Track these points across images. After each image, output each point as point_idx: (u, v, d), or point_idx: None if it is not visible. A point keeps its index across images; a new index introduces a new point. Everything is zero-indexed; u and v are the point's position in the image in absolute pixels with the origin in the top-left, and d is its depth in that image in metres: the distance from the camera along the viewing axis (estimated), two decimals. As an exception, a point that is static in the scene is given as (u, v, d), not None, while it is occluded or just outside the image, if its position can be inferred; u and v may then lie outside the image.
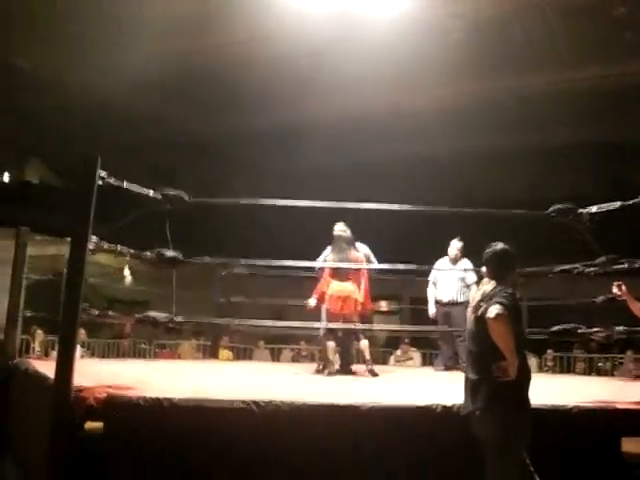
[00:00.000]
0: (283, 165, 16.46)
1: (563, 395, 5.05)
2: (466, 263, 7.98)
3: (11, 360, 7.39)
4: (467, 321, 3.90)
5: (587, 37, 11.89)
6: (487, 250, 3.93)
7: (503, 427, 3.60)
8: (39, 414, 4.94)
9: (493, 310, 3.54)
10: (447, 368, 8.07)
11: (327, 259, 7.23)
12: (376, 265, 7.41)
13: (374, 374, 6.94)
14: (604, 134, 14.51)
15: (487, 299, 3.68)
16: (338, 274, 7.07)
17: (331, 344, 7.07)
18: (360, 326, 7.21)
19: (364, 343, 7.14)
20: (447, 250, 8.15)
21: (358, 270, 7.12)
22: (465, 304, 7.20)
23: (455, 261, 8.08)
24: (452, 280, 8.05)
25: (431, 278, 8.27)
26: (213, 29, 11.73)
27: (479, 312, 3.70)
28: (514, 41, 12.01)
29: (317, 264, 7.21)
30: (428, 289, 8.32)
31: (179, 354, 13.19)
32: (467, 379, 3.80)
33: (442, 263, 8.17)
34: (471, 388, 3.74)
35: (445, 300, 8.06)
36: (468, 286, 7.77)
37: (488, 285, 3.78)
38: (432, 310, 8.22)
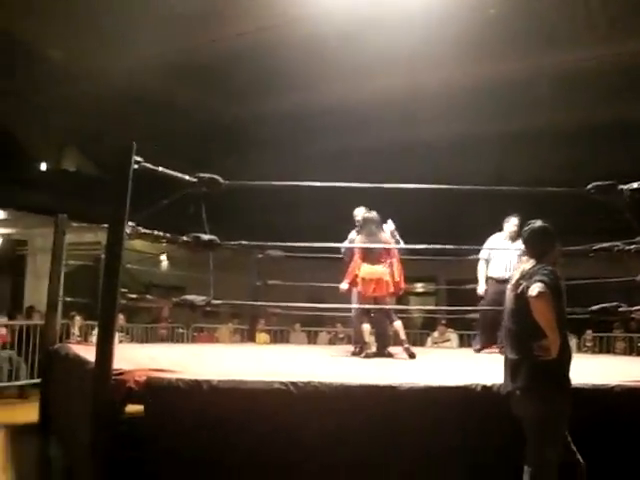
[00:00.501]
0: (312, 148, 16.43)
1: (604, 374, 4.99)
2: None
3: (52, 345, 7.53)
4: (507, 300, 3.85)
5: (625, 10, 11.61)
6: (525, 228, 3.88)
7: (544, 406, 3.56)
8: (80, 398, 5.03)
9: (535, 288, 3.49)
10: (484, 347, 7.89)
11: (356, 242, 7.16)
12: (411, 246, 7.34)
13: (411, 355, 6.90)
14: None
15: (527, 277, 3.64)
16: (369, 257, 7.01)
17: (366, 326, 7.06)
18: (394, 307, 7.18)
19: (398, 324, 7.13)
20: (503, 226, 7.91)
21: (389, 252, 7.09)
22: None
23: (513, 239, 7.74)
24: (509, 257, 7.65)
25: (483, 255, 7.94)
26: (242, 15, 11.71)
27: (519, 290, 3.66)
28: (549, 17, 11.78)
29: (348, 245, 7.18)
30: (479, 266, 8.00)
31: (217, 338, 13.29)
32: (507, 358, 3.77)
33: (496, 239, 7.92)
34: (511, 367, 3.71)
35: (501, 276, 7.57)
36: None
37: (527, 263, 3.73)
38: (482, 288, 7.89)
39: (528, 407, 3.60)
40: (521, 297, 3.64)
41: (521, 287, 3.65)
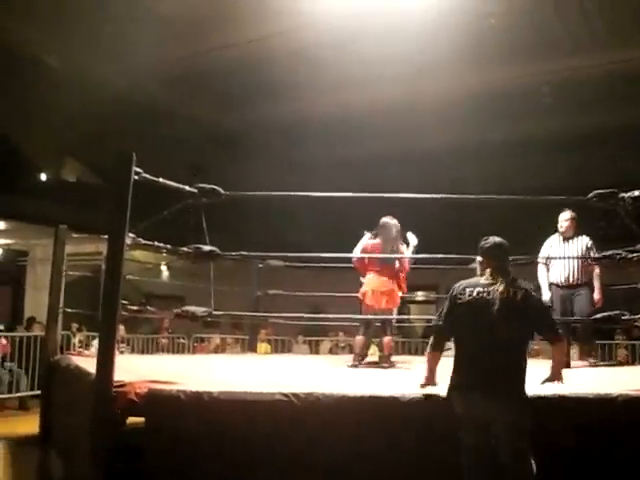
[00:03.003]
0: (309, 156, 16.45)
1: (607, 383, 4.97)
2: (586, 238, 7.04)
3: (52, 356, 7.50)
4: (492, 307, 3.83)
5: (623, 18, 11.63)
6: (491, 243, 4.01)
7: (526, 410, 3.64)
8: (81, 409, 5.00)
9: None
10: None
11: (370, 245, 7.01)
12: (413, 256, 7.30)
13: (384, 367, 6.89)
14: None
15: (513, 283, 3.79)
16: (381, 265, 6.94)
17: (359, 338, 7.04)
18: (399, 317, 7.15)
19: (388, 339, 7.06)
20: (557, 226, 7.18)
21: (401, 263, 7.05)
22: (588, 284, 6.85)
23: (566, 236, 7.10)
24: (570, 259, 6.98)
25: (541, 259, 7.24)
26: (243, 24, 11.75)
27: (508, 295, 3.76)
28: (549, 25, 11.80)
29: (356, 255, 7.07)
30: (539, 272, 7.25)
31: (216, 347, 13.25)
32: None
33: (552, 241, 7.21)
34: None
35: (562, 282, 7.04)
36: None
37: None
38: (546, 295, 7.05)
39: (512, 411, 3.63)
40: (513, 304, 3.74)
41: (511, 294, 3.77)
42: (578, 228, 7.07)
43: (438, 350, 4.01)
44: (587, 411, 3.95)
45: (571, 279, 6.96)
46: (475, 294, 3.80)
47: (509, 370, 3.70)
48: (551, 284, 7.13)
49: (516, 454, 3.57)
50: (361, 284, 7.03)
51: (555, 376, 4.00)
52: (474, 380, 3.70)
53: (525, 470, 3.56)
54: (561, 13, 11.53)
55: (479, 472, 3.65)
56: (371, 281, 6.89)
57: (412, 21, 11.01)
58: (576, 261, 6.89)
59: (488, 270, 3.89)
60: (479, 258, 4.06)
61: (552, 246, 7.17)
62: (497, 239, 4.01)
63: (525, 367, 3.75)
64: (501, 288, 3.77)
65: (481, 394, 3.66)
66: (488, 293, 3.78)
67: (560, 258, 6.99)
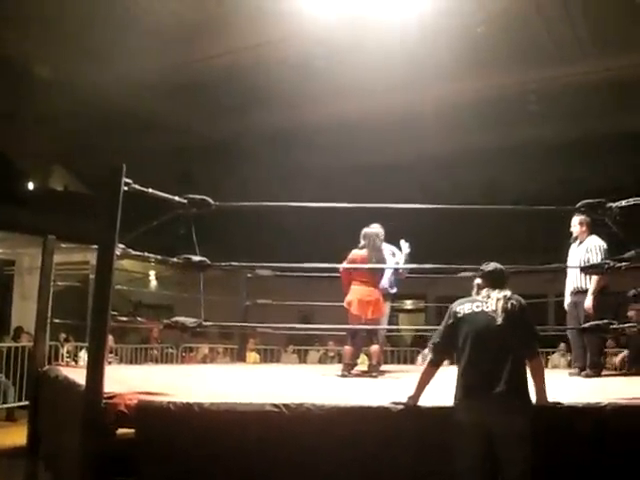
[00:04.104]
0: (300, 166, 16.48)
1: (596, 392, 4.99)
2: (593, 240, 6.74)
3: (41, 367, 7.45)
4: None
5: (609, 26, 11.75)
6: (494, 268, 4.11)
7: (528, 417, 3.72)
8: (70, 420, 4.97)
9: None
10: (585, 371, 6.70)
11: (359, 256, 6.98)
12: (408, 265, 7.33)
13: (373, 376, 6.91)
14: (631, 125, 14.30)
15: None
16: (368, 276, 6.94)
17: (348, 348, 7.05)
18: (387, 327, 7.15)
19: (375, 347, 7.07)
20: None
21: (383, 272, 7.07)
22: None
23: (580, 241, 6.88)
24: (575, 263, 6.73)
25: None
26: (229, 34, 11.78)
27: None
28: (536, 33, 11.91)
29: (344, 265, 7.07)
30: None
31: (204, 357, 13.20)
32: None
33: (572, 246, 6.98)
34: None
35: (569, 288, 6.90)
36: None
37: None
38: (567, 300, 7.01)
39: (519, 418, 3.72)
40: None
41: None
42: (588, 232, 6.82)
43: (435, 366, 4.04)
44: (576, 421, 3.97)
45: (573, 286, 6.85)
46: (474, 307, 3.93)
47: (513, 377, 3.76)
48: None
49: (522, 468, 3.63)
50: (346, 294, 7.03)
51: (541, 400, 4.01)
52: (480, 388, 3.76)
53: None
54: (549, 23, 11.65)
55: None
56: (357, 291, 6.89)
57: (402, 31, 11.09)
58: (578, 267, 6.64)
59: (485, 289, 4.01)
60: (478, 280, 4.15)
61: (570, 253, 7.00)
62: (497, 265, 4.12)
63: (526, 374, 3.86)
64: (500, 298, 3.90)
65: (488, 401, 3.72)
66: (487, 305, 3.91)
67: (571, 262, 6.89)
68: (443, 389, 4.03)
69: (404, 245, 7.43)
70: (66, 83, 13.05)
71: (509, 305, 3.87)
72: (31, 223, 12.59)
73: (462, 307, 3.96)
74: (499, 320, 3.84)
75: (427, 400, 4.11)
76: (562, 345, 12.01)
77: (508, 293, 3.94)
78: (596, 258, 6.42)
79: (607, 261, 5.30)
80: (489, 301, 3.92)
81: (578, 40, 12.20)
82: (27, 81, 12.85)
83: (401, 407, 4.05)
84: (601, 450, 3.95)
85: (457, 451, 3.77)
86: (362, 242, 7.03)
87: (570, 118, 14.21)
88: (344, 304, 6.94)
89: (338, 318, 7.30)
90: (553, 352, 12.26)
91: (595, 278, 6.53)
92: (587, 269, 6.08)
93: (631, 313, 8.19)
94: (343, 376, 6.84)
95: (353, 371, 7.12)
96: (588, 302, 6.56)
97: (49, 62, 12.94)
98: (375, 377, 6.85)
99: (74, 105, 13.26)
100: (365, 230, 7.07)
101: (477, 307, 3.92)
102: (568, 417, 4.00)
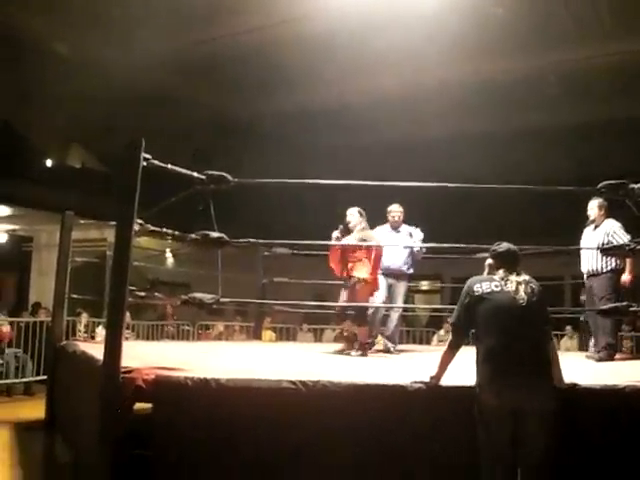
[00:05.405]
0: (322, 144, 16.43)
1: (613, 374, 4.96)
2: (612, 223, 6.64)
3: (59, 342, 7.52)
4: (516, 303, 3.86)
5: (630, 7, 11.56)
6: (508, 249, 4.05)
7: (554, 398, 3.70)
8: (87, 396, 5.01)
9: None
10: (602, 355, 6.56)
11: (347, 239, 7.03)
12: (425, 244, 7.33)
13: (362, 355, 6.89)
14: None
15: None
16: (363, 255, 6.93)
17: (362, 328, 7.02)
18: (404, 306, 7.12)
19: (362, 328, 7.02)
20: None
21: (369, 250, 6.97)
22: (607, 273, 6.52)
23: (596, 225, 6.80)
24: (591, 246, 6.62)
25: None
26: (252, 11, 11.70)
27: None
28: (555, 14, 11.75)
29: (359, 244, 7.04)
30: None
31: (219, 334, 13.26)
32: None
33: (586, 230, 6.92)
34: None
35: (584, 271, 6.82)
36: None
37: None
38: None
39: (551, 400, 3.68)
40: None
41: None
42: (605, 215, 6.74)
43: (456, 348, 4.00)
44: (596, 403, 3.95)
45: (587, 269, 6.76)
46: (494, 287, 3.86)
47: (540, 359, 3.75)
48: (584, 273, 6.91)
49: (545, 450, 3.61)
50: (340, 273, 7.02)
51: (559, 381, 3.98)
52: (505, 369, 3.71)
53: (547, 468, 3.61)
54: (569, 3, 11.48)
55: (499, 468, 3.66)
56: (361, 270, 6.85)
57: (419, 10, 10.98)
58: (593, 250, 6.56)
59: (501, 270, 3.95)
60: (489, 260, 4.10)
61: (584, 236, 6.93)
62: (510, 245, 4.06)
63: (549, 357, 3.81)
64: (521, 282, 3.86)
65: (514, 382, 3.67)
66: (507, 286, 3.85)
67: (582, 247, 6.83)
68: (460, 369, 4.01)
69: (416, 232, 7.44)
70: (85, 62, 13.05)
71: (529, 289, 3.84)
72: (49, 200, 12.65)
73: (480, 286, 3.88)
74: (522, 302, 3.80)
75: (445, 379, 4.11)
76: (568, 328, 11.96)
77: (527, 277, 3.91)
78: (622, 239, 6.28)
79: (635, 241, 5.21)
80: (508, 283, 3.87)
81: (599, 22, 12.03)
82: (45, 60, 12.84)
83: (421, 385, 4.04)
84: (619, 432, 3.93)
85: (484, 434, 3.71)
86: (358, 219, 7.06)
87: (588, 101, 14.05)
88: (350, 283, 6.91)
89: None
90: (562, 335, 12.19)
91: (628, 260, 6.41)
92: (608, 250, 6.01)
93: None
94: (362, 355, 6.83)
95: (369, 350, 7.10)
96: (625, 277, 6.46)
97: (68, 40, 12.93)
98: (360, 356, 6.83)
99: (92, 82, 13.25)
100: (359, 209, 7.11)
101: (496, 287, 3.85)
102: (586, 399, 3.98)
